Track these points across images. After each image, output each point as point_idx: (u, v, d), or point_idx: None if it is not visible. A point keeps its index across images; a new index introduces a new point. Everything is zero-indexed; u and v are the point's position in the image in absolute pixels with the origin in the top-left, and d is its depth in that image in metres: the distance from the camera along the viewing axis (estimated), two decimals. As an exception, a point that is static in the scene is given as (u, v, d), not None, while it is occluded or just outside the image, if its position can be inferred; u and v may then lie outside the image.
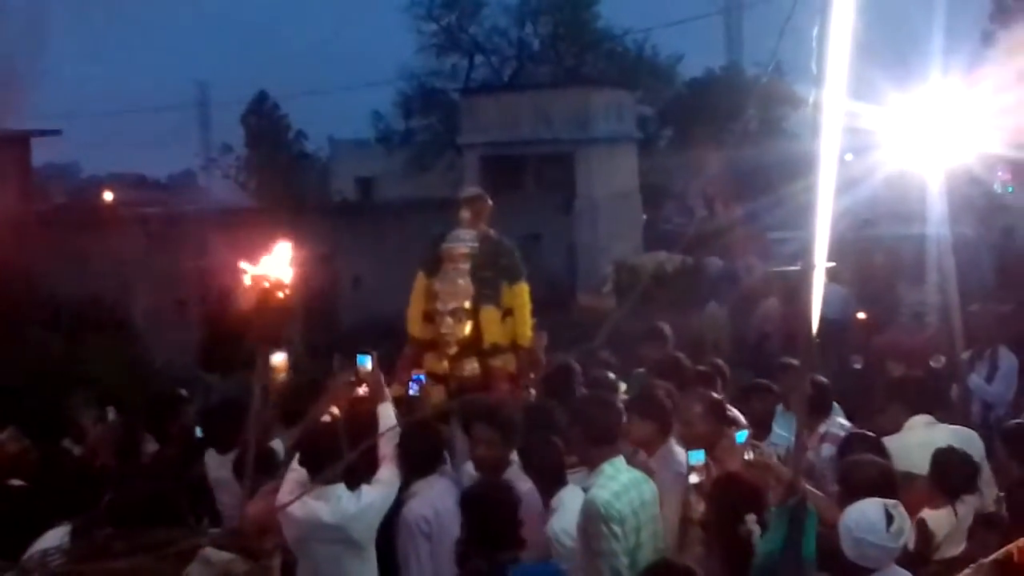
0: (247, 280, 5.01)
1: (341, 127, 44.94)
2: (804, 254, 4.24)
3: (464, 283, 7.14)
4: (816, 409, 6.51)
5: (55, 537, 5.67)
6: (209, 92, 64.03)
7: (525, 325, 7.26)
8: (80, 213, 23.05)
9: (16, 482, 6.43)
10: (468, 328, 7.09)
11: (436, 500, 5.68)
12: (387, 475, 5.71)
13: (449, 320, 7.08)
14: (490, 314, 7.12)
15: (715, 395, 6.38)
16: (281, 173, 39.01)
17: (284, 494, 5.46)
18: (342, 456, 5.53)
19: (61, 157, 44.56)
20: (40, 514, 5.85)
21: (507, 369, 7.14)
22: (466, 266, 7.19)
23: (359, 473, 5.55)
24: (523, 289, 7.31)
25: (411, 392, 6.64)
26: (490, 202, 7.53)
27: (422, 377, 6.75)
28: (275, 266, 5.01)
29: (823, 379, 7.10)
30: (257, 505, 5.40)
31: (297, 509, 5.38)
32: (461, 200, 7.45)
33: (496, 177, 26.57)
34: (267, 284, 4.94)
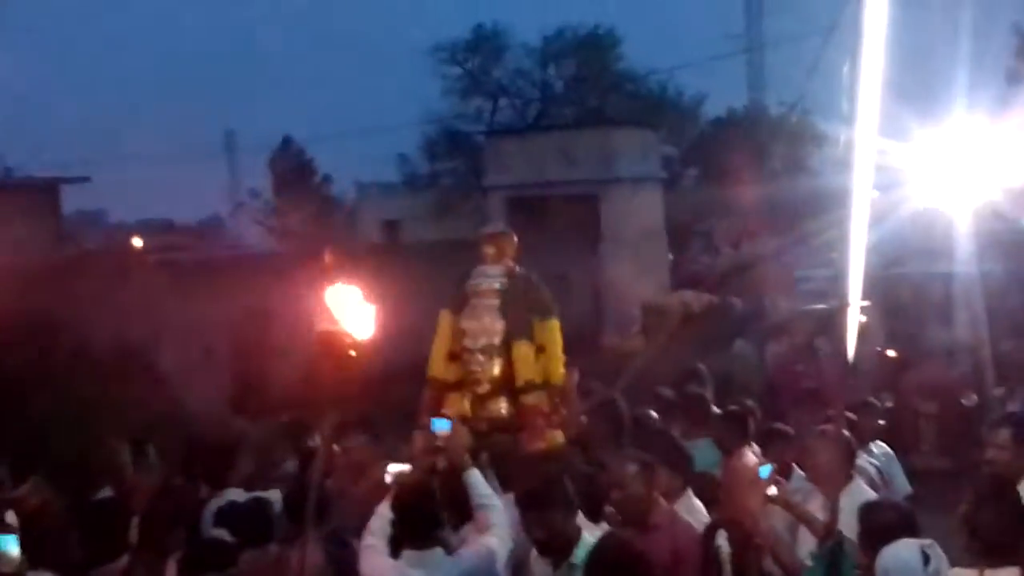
0: (319, 333, 4.83)
1: (367, 170, 45.22)
2: (830, 292, 4.23)
3: (492, 320, 6.93)
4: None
5: None
6: (236, 138, 64.51)
7: (557, 362, 7.03)
8: (109, 259, 23.19)
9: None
10: (499, 366, 6.88)
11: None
12: (492, 542, 5.33)
13: (480, 357, 6.87)
14: (523, 349, 6.90)
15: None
16: (308, 217, 39.22)
17: (365, 564, 5.27)
18: (442, 521, 5.30)
19: (90, 204, 44.95)
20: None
21: (541, 407, 6.89)
22: (495, 302, 6.98)
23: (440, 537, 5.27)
24: (554, 326, 7.08)
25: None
26: (515, 238, 7.37)
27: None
28: (350, 320, 4.79)
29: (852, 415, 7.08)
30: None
31: None
32: (484, 236, 7.27)
33: (521, 218, 26.55)
34: (342, 341, 4.75)
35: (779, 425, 7.70)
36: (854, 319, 4.17)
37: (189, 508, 6.60)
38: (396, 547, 5.30)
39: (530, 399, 6.84)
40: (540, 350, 6.98)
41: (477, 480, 5.65)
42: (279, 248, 34.17)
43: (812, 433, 6.49)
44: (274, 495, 6.45)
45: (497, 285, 7.04)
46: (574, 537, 5.08)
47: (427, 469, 5.80)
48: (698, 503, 6.11)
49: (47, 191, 22.54)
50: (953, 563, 5.00)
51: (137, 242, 32.57)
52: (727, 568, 5.19)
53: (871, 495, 6.10)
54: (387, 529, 5.37)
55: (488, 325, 6.92)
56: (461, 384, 6.97)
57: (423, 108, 37.29)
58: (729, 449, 7.38)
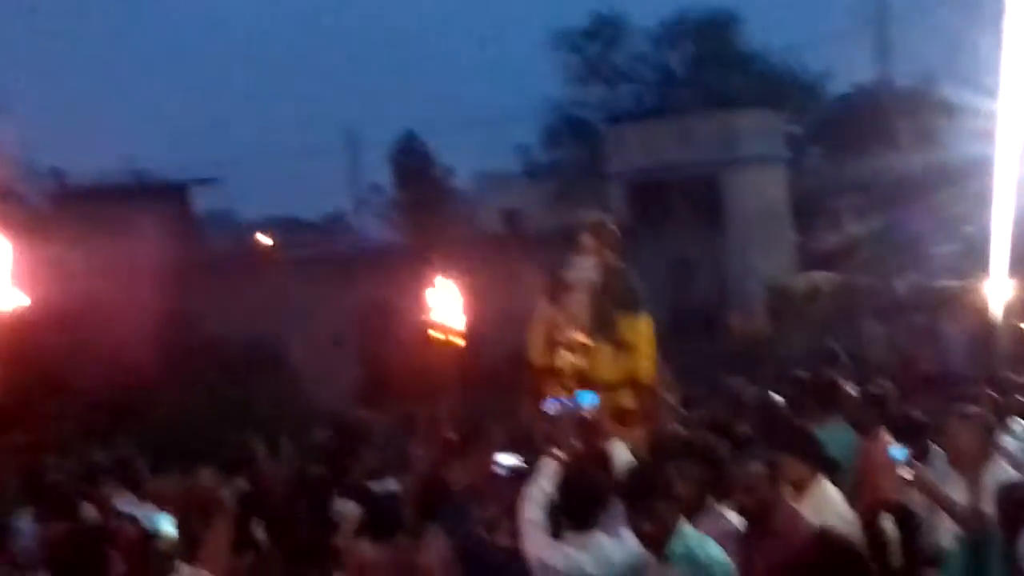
0: (425, 328, 4.85)
1: (488, 161, 45.32)
2: (962, 267, 4.06)
3: (583, 315, 6.83)
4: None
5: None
6: (357, 133, 65.40)
7: (646, 359, 6.86)
8: (240, 257, 23.76)
9: None
10: (584, 360, 6.79)
11: None
12: None
13: (566, 353, 6.81)
14: (602, 350, 6.79)
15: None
16: (430, 209, 39.53)
17: (530, 543, 5.19)
18: (606, 499, 5.22)
19: (219, 204, 46.01)
20: None
21: (622, 406, 6.73)
22: (584, 296, 6.87)
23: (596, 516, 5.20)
24: (643, 322, 6.90)
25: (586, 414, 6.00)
26: (614, 228, 7.16)
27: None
28: (449, 313, 4.81)
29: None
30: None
31: (557, 560, 5.10)
32: (583, 225, 7.09)
33: (644, 204, 26.47)
34: (444, 335, 4.78)
35: (913, 408, 7.44)
36: (997, 294, 3.99)
37: (321, 499, 6.68)
38: (555, 525, 5.24)
39: (607, 399, 6.49)
40: (625, 347, 6.81)
41: (621, 450, 5.69)
42: (401, 242, 34.55)
43: (951, 412, 6.25)
44: (392, 486, 6.48)
45: (589, 279, 6.90)
46: (672, 528, 4.89)
47: (581, 448, 5.74)
48: (832, 491, 5.91)
49: (178, 193, 23.16)
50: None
51: (265, 240, 33.30)
52: (896, 552, 4.98)
53: (1013, 475, 5.87)
54: (545, 504, 5.30)
55: (576, 320, 6.80)
56: (556, 372, 6.86)
57: (543, 97, 37.31)
58: (866, 431, 7.19)
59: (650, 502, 4.88)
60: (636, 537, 4.97)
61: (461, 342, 4.74)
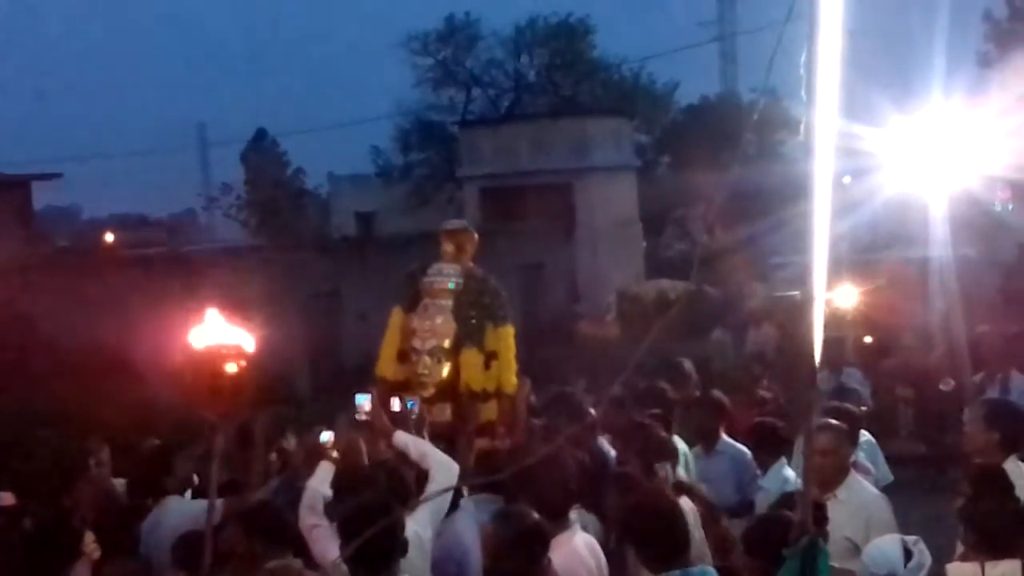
0: (196, 350, 4.75)
1: (340, 163, 45.00)
2: (803, 282, 4.09)
3: (444, 321, 6.61)
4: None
5: None
6: (208, 132, 64.26)
7: (510, 371, 6.69)
8: (81, 255, 23.03)
9: None
10: (447, 370, 6.56)
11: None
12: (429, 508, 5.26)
13: (427, 360, 6.56)
14: (472, 357, 6.59)
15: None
16: (282, 210, 39.05)
17: (324, 551, 5.04)
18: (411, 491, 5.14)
19: (62, 200, 44.67)
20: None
21: (487, 417, 6.58)
22: (447, 303, 6.66)
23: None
24: (508, 332, 6.75)
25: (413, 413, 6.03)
26: (475, 236, 7.00)
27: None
28: (229, 334, 4.73)
29: (853, 409, 7.01)
30: None
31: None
32: (443, 232, 6.91)
33: (496, 208, 26.60)
34: (225, 355, 4.68)
35: (768, 420, 7.57)
36: (819, 310, 4.06)
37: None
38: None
39: (485, 412, 6.54)
40: (492, 357, 6.68)
41: (405, 439, 5.66)
42: (251, 242, 33.95)
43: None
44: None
45: (451, 285, 6.71)
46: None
47: (356, 449, 5.66)
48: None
49: (18, 187, 22.35)
50: (940, 551, 4.97)
51: (109, 238, 32.43)
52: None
53: (871, 489, 6.02)
54: (320, 506, 5.24)
55: (439, 327, 6.60)
56: (408, 385, 6.60)
57: (396, 99, 37.24)
58: (708, 437, 7.36)
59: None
60: None
61: (237, 365, 4.64)
